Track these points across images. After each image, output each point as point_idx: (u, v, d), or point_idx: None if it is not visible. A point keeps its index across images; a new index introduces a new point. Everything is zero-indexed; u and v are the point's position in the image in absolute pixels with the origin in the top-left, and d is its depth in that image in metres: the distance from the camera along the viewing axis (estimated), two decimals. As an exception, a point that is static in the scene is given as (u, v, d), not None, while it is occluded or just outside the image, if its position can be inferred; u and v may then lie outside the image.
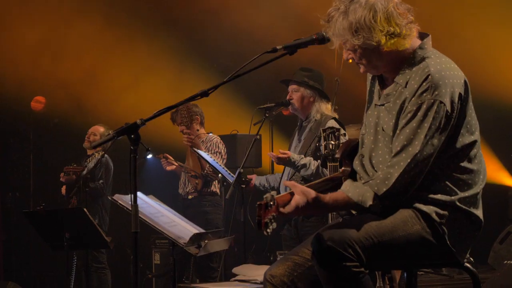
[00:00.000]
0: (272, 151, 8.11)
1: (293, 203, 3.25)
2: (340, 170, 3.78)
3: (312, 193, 3.28)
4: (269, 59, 3.57)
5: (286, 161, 6.17)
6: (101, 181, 8.48)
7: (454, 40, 8.52)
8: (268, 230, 3.10)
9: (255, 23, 9.89)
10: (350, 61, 3.62)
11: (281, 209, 3.22)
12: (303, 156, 6.18)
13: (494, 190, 8.64)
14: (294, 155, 6.17)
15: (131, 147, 3.43)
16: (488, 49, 8.99)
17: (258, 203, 3.11)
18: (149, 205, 5.46)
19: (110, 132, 8.66)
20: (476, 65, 8.31)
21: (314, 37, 3.59)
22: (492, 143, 8.54)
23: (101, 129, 8.77)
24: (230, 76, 3.60)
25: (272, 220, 3.12)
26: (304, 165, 6.11)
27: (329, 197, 3.37)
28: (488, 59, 8.93)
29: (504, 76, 8.89)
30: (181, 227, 5.43)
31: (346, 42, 3.44)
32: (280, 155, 6.15)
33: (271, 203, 3.12)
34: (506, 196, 9.06)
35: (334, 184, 3.66)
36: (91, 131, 8.78)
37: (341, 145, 3.96)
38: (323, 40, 3.58)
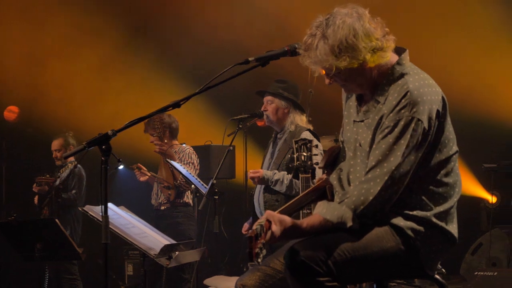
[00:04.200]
0: (246, 162, 8.10)
1: (271, 232, 3.24)
2: (322, 178, 3.78)
3: (288, 223, 3.29)
4: (242, 70, 3.57)
5: (259, 180, 6.18)
6: (74, 191, 8.43)
7: (428, 53, 8.57)
8: (259, 260, 3.12)
9: (230, 33, 9.91)
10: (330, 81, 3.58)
11: (264, 237, 3.22)
12: (276, 171, 6.19)
13: (466, 202, 8.65)
14: (266, 172, 6.18)
15: (102, 158, 3.42)
16: (461, 62, 9.06)
17: (248, 235, 3.12)
18: (120, 216, 5.43)
19: (70, 140, 8.71)
20: (449, 78, 8.38)
21: (286, 49, 3.60)
22: (464, 155, 8.55)
23: (60, 141, 8.75)
24: (202, 88, 3.61)
25: (262, 248, 3.14)
26: (277, 181, 6.12)
27: (306, 223, 3.36)
28: (461, 72, 8.99)
29: (477, 88, 8.95)
30: (152, 238, 5.41)
31: (330, 66, 3.38)
32: (253, 175, 6.16)
33: (261, 232, 3.14)
34: (478, 208, 9.12)
35: (319, 194, 3.69)
36: (53, 148, 8.76)
37: (321, 154, 3.96)
38: (295, 52, 3.58)
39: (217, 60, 8.89)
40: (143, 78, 10.43)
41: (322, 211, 3.40)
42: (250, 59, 3.57)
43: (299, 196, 3.68)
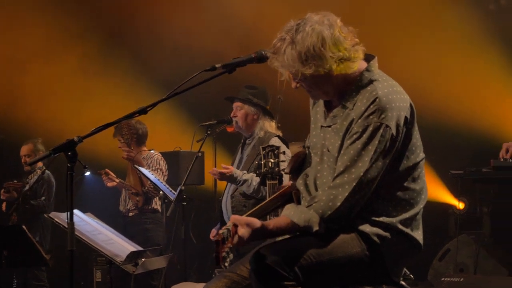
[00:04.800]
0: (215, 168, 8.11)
1: (238, 236, 3.24)
2: (289, 183, 3.79)
3: (256, 224, 3.29)
4: (209, 77, 3.57)
5: (228, 177, 6.18)
6: (43, 198, 8.38)
7: (394, 61, 8.61)
8: (226, 264, 3.12)
9: (199, 40, 9.90)
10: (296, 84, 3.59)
11: (231, 241, 3.22)
12: (245, 171, 6.19)
13: (434, 208, 8.72)
14: (236, 171, 6.18)
15: (68, 164, 3.40)
16: (427, 70, 9.12)
17: (215, 239, 3.12)
18: (86, 223, 5.41)
19: (39, 146, 8.67)
20: (417, 86, 8.42)
21: (253, 56, 3.60)
22: (433, 162, 8.63)
23: (30, 147, 8.70)
24: (169, 94, 3.60)
25: (229, 253, 3.14)
26: (245, 181, 6.12)
27: (273, 224, 3.36)
28: (429, 80, 9.05)
29: (443, 94, 9.02)
30: (118, 245, 5.39)
31: (296, 72, 3.39)
32: (223, 170, 6.15)
33: (228, 236, 3.14)
34: (446, 214, 9.16)
35: (285, 200, 3.68)
36: (22, 154, 8.71)
37: (287, 159, 3.97)
38: (261, 58, 3.58)
39: (189, 66, 8.88)
40: (115, 84, 10.37)
41: (290, 214, 3.41)
42: (217, 65, 3.57)
43: (265, 202, 3.68)
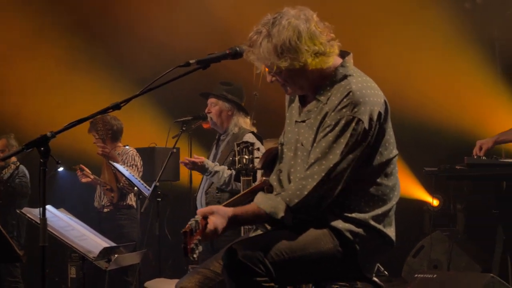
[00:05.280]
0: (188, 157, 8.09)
1: (211, 225, 3.23)
2: (261, 179, 3.80)
3: (225, 211, 3.30)
4: (183, 72, 3.56)
5: (199, 167, 6.18)
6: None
7: (369, 59, 8.63)
8: (195, 256, 3.10)
9: (176, 35, 9.87)
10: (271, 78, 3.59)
11: (203, 233, 3.20)
12: (217, 163, 6.20)
13: (409, 205, 8.77)
14: (208, 162, 6.19)
15: (41, 160, 3.38)
16: (400, 66, 9.15)
17: (183, 230, 3.10)
18: (59, 219, 5.38)
19: (12, 142, 8.62)
20: (388, 82, 8.44)
21: (227, 52, 3.59)
22: (407, 159, 8.66)
23: (3, 142, 8.66)
24: (143, 90, 3.58)
25: (198, 245, 3.12)
26: (217, 172, 6.13)
27: (241, 210, 3.38)
28: (404, 77, 9.08)
29: (418, 91, 9.05)
30: (91, 241, 5.37)
31: (272, 65, 3.42)
32: (195, 159, 6.15)
33: (196, 227, 3.13)
34: (421, 211, 9.21)
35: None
36: None
37: (261, 155, 3.97)
38: (236, 54, 3.58)
39: (171, 64, 8.82)
40: (96, 80, 10.32)
41: (257, 200, 3.43)
42: (191, 61, 3.56)
43: (236, 196, 3.69)
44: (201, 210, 3.31)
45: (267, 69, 3.51)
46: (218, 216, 3.25)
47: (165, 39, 9.93)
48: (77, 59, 10.30)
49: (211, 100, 6.45)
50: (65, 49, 10.28)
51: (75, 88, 10.21)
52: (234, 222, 3.32)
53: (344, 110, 3.37)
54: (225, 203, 3.58)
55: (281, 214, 3.34)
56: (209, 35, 9.61)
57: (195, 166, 6.22)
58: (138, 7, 10.12)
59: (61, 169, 9.06)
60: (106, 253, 5.28)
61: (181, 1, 10.20)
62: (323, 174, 3.34)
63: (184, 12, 10.14)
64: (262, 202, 3.40)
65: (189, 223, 3.14)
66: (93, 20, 10.47)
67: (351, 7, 9.27)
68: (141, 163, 7.86)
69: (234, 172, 6.02)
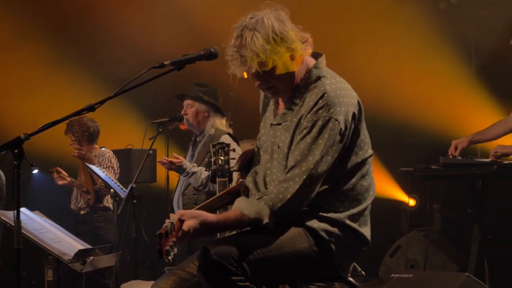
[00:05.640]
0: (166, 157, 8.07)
1: (185, 227, 3.22)
2: (238, 181, 3.80)
3: (204, 216, 3.29)
4: (158, 74, 3.56)
5: (177, 167, 6.18)
6: None
7: (344, 58, 8.66)
8: (170, 258, 3.10)
9: (155, 36, 9.86)
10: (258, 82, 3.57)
11: (177, 235, 3.20)
12: (195, 164, 6.20)
13: (386, 205, 8.80)
14: (186, 162, 6.20)
15: (15, 162, 3.37)
16: (376, 66, 9.18)
17: (158, 232, 3.10)
18: (33, 221, 5.35)
19: None
20: (364, 82, 8.47)
21: (201, 53, 3.60)
22: (384, 159, 8.69)
23: None
24: (117, 91, 3.58)
25: (173, 246, 3.12)
26: (194, 173, 6.13)
27: (223, 216, 3.37)
28: (379, 77, 9.11)
29: (394, 92, 9.08)
30: (66, 243, 5.34)
31: (267, 59, 3.40)
32: (173, 160, 6.15)
33: (172, 229, 3.12)
34: (398, 211, 9.23)
35: (233, 197, 3.69)
36: None
37: (238, 157, 3.98)
38: (210, 55, 3.59)
39: (145, 63, 8.79)
40: (73, 80, 10.26)
41: (241, 206, 3.41)
42: (165, 62, 3.56)
43: (212, 198, 3.69)
44: (179, 212, 3.31)
45: (245, 75, 3.51)
46: (193, 220, 3.24)
47: (145, 40, 9.90)
48: (60, 60, 10.23)
49: (187, 102, 6.46)
50: (47, 50, 10.19)
51: (59, 89, 10.14)
52: (210, 228, 3.31)
53: (320, 111, 3.39)
54: (201, 204, 3.58)
55: (266, 220, 3.34)
56: (188, 36, 9.59)
57: (172, 166, 6.22)
58: (117, 8, 10.07)
59: (36, 171, 9.00)
60: (81, 255, 5.26)
61: (160, 2, 10.17)
62: (304, 177, 3.36)
63: (162, 13, 10.12)
64: (246, 208, 3.38)
65: (165, 225, 3.14)
66: (73, 21, 10.42)
67: (328, 7, 9.30)
68: (118, 164, 7.85)
69: (210, 178, 6.03)
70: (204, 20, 9.46)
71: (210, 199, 3.69)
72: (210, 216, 3.31)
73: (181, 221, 3.24)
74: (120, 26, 10.03)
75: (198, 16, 9.68)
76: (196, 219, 3.26)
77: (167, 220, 3.20)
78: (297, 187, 3.35)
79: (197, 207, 3.52)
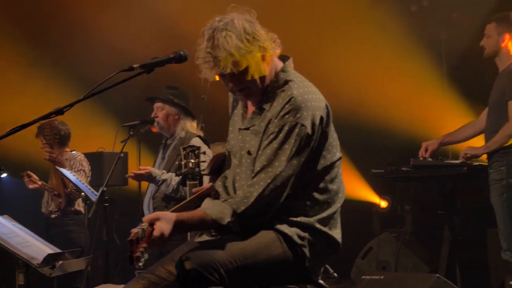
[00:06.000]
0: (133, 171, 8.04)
1: (157, 231, 3.20)
2: (209, 185, 3.80)
3: (172, 216, 3.27)
4: (127, 77, 3.54)
5: (146, 177, 6.16)
6: None
7: (318, 60, 8.68)
8: (140, 264, 3.08)
9: (131, 38, 9.82)
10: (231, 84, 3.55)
11: (149, 240, 3.19)
12: (164, 171, 6.18)
13: (358, 207, 8.83)
14: (155, 170, 6.18)
15: (-17, 166, 3.35)
16: (350, 68, 9.20)
17: (129, 239, 3.08)
18: (2, 225, 5.32)
19: None
20: (338, 85, 8.50)
21: (171, 56, 3.58)
22: (355, 161, 8.72)
23: None
24: (86, 94, 3.55)
25: (144, 252, 3.10)
26: (164, 181, 6.11)
27: (187, 216, 3.35)
28: (351, 79, 9.14)
29: (365, 93, 9.11)
30: (35, 247, 5.31)
31: (240, 59, 3.38)
32: (140, 172, 6.13)
33: (142, 235, 3.11)
34: (370, 212, 9.26)
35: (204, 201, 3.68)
36: None
37: (209, 160, 3.97)
38: (180, 58, 3.57)
39: (117, 65, 8.75)
40: (43, 84, 10.19)
41: (204, 206, 3.42)
42: (134, 65, 3.53)
43: (183, 203, 3.67)
44: (147, 217, 3.28)
45: (217, 78, 3.50)
46: (164, 222, 3.22)
47: (123, 42, 9.85)
48: (37, 63, 10.18)
49: (158, 105, 6.45)
50: (24, 53, 10.16)
51: (36, 93, 10.07)
52: (180, 227, 3.29)
53: (286, 116, 3.39)
54: (172, 209, 3.57)
55: (227, 219, 3.34)
56: (166, 38, 9.58)
57: (140, 177, 6.21)
58: (94, 10, 10.03)
59: (4, 175, 8.95)
60: (50, 259, 5.23)
61: (137, 5, 10.12)
62: (268, 181, 3.36)
63: (140, 15, 10.08)
64: (208, 207, 3.39)
65: (135, 231, 3.12)
66: (50, 24, 10.36)
67: (299, 10, 9.32)
68: (89, 168, 7.82)
69: (180, 181, 6.01)
70: (181, 22, 9.44)
71: (181, 203, 3.67)
72: (177, 216, 3.29)
73: (152, 225, 3.23)
74: (97, 28, 9.99)
75: (175, 18, 9.66)
76: (167, 221, 3.24)
77: (138, 227, 3.19)
78: (261, 190, 3.35)
79: (168, 211, 3.50)
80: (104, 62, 9.65)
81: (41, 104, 9.54)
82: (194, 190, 3.93)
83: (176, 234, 3.30)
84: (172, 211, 3.47)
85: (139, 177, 6.20)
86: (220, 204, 3.40)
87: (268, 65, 3.49)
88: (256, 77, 3.47)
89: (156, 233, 3.18)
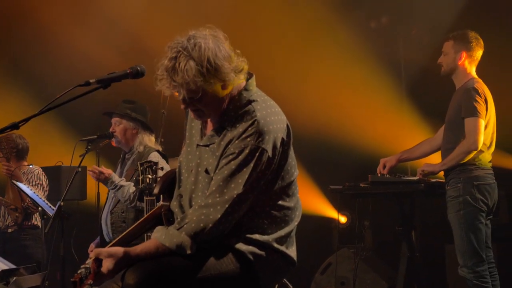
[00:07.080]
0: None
1: (104, 269, 3.21)
2: (159, 204, 3.75)
3: (120, 253, 3.25)
4: (85, 91, 3.51)
5: (105, 178, 6.11)
6: None
7: (277, 76, 8.70)
8: None
9: (86, 52, 9.77)
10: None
11: (96, 276, 3.17)
12: (124, 179, 6.15)
13: (318, 222, 8.85)
14: (115, 176, 6.13)
15: None
16: (309, 86, 9.24)
17: (72, 280, 3.09)
18: (-44, 241, 5.25)
19: None
20: (297, 100, 8.52)
21: (128, 72, 3.54)
22: (315, 177, 8.74)
23: None
24: (42, 109, 3.51)
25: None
26: (122, 187, 6.06)
27: (140, 249, 3.33)
28: (310, 95, 9.17)
29: (326, 110, 9.15)
30: (-12, 263, 5.25)
31: (196, 89, 3.32)
32: (102, 169, 6.09)
33: (87, 274, 3.10)
34: (329, 228, 9.29)
35: (155, 222, 3.64)
36: None
37: (159, 179, 3.92)
38: (137, 74, 3.53)
39: (70, 80, 8.72)
40: (12, 99, 10.10)
41: (161, 237, 3.36)
42: (91, 80, 3.48)
43: (132, 227, 3.63)
44: (96, 251, 3.27)
45: (176, 94, 3.47)
46: (111, 260, 3.23)
47: (81, 55, 9.80)
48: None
49: (115, 119, 6.42)
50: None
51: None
52: (129, 261, 3.27)
53: (248, 139, 3.35)
54: (122, 234, 3.54)
55: (188, 251, 3.31)
56: (125, 49, 9.53)
57: (101, 176, 6.14)
58: (53, 25, 9.96)
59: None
60: (4, 275, 5.17)
61: (96, 19, 10.07)
62: (227, 206, 3.32)
63: (97, 26, 10.03)
64: (166, 240, 3.34)
65: (79, 271, 3.12)
66: (6, 35, 10.27)
67: (261, 28, 9.33)
68: (47, 182, 7.76)
69: (138, 196, 5.97)
70: (140, 33, 9.42)
71: (133, 225, 3.64)
72: (127, 252, 3.27)
73: (97, 260, 3.22)
74: (56, 42, 9.93)
75: (135, 32, 9.63)
76: (114, 258, 3.24)
77: (82, 266, 3.18)
78: (219, 215, 3.31)
79: (117, 238, 3.51)
80: (62, 76, 9.59)
81: (11, 119, 9.44)
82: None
83: (125, 267, 3.28)
84: (120, 239, 3.49)
85: (99, 175, 6.13)
86: (177, 235, 3.33)
87: (228, 90, 3.45)
88: (211, 101, 3.42)
89: (104, 270, 3.21)
